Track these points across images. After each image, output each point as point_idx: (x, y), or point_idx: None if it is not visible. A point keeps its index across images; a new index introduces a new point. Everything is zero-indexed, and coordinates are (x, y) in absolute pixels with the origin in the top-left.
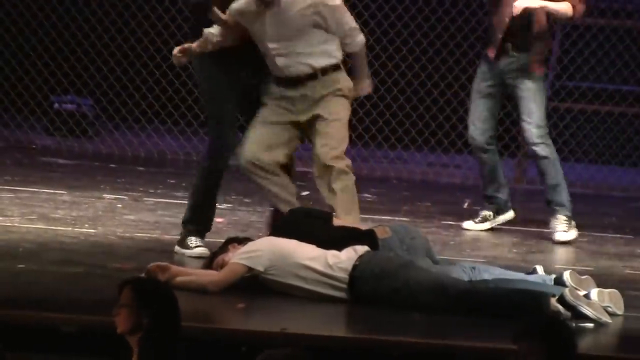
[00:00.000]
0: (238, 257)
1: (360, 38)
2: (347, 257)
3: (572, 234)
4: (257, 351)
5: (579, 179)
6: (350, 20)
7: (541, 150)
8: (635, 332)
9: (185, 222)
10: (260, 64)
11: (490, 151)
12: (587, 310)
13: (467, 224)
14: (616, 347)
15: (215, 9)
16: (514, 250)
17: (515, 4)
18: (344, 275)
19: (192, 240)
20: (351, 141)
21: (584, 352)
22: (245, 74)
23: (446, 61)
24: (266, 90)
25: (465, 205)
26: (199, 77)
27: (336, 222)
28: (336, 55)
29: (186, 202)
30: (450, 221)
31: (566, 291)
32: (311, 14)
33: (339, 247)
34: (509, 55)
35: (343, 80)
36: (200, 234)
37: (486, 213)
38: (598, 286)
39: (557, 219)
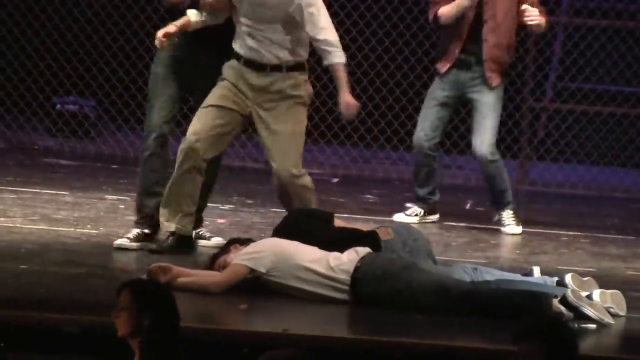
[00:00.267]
0: (240, 258)
1: (339, 54)
2: (348, 258)
3: (520, 227)
4: (258, 352)
5: (581, 181)
6: (326, 26)
7: (491, 162)
8: (638, 333)
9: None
10: (222, 48)
11: (432, 157)
12: (589, 311)
13: (397, 216)
14: (618, 348)
15: None
16: (517, 252)
17: (527, 19)
18: (346, 277)
19: (203, 231)
20: (353, 142)
21: (585, 353)
22: (207, 58)
23: None
24: (226, 70)
25: (468, 206)
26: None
27: (337, 223)
28: (303, 56)
29: None
30: (452, 222)
31: (568, 292)
32: (292, 7)
33: (341, 248)
34: (471, 69)
35: (305, 85)
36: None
37: (417, 210)
38: (600, 287)
39: (506, 213)
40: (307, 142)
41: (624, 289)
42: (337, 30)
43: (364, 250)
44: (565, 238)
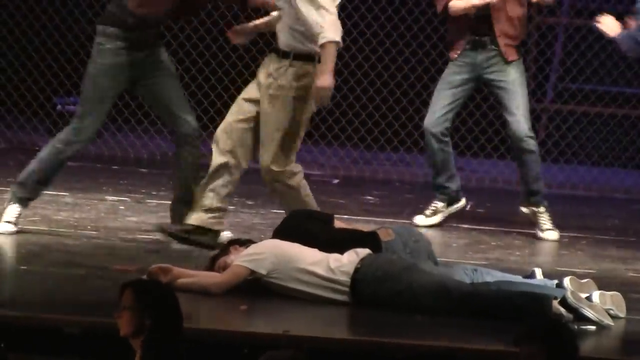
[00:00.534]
0: (241, 259)
1: (327, 34)
2: (348, 260)
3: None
4: (259, 353)
5: (582, 181)
6: (311, 13)
7: (529, 144)
8: (637, 335)
9: (17, 183)
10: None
11: (444, 142)
12: (589, 313)
13: (418, 219)
14: (618, 349)
15: None
16: (517, 253)
17: None
18: (346, 279)
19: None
20: (354, 143)
21: (585, 355)
22: (145, 54)
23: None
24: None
25: (468, 207)
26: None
27: (338, 224)
28: (309, 47)
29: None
30: (452, 223)
31: (568, 293)
32: None
33: (341, 249)
34: (486, 48)
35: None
36: (24, 203)
37: (438, 205)
38: (600, 289)
39: (541, 212)
40: (307, 143)
41: (624, 291)
42: None
43: (363, 252)
44: (566, 239)
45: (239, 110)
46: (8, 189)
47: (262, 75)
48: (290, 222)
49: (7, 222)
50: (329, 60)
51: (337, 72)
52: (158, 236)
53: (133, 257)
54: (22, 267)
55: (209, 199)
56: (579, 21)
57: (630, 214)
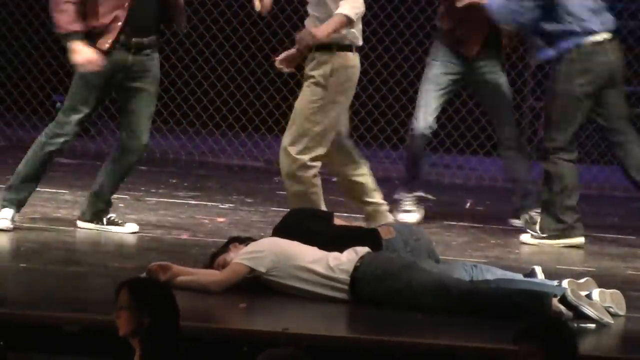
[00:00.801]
0: (240, 257)
1: (341, 7)
2: (348, 258)
3: None
4: (258, 351)
5: (582, 180)
6: None
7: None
8: (637, 333)
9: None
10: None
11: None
12: (588, 311)
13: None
14: (618, 348)
15: None
16: (516, 251)
17: None
18: (346, 277)
19: (114, 217)
20: (353, 141)
21: (585, 353)
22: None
23: None
24: None
25: (468, 205)
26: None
27: (337, 222)
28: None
29: (188, 201)
30: (452, 222)
31: (568, 291)
32: None
33: (341, 247)
34: (487, 52)
35: (324, 66)
36: (14, 205)
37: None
38: (600, 287)
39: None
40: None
41: (624, 289)
42: None
43: (363, 250)
44: None
45: None
46: None
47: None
48: (289, 220)
49: (3, 218)
50: (333, 24)
51: None
52: (157, 234)
53: (132, 254)
54: (22, 265)
55: None
56: None
57: (629, 212)
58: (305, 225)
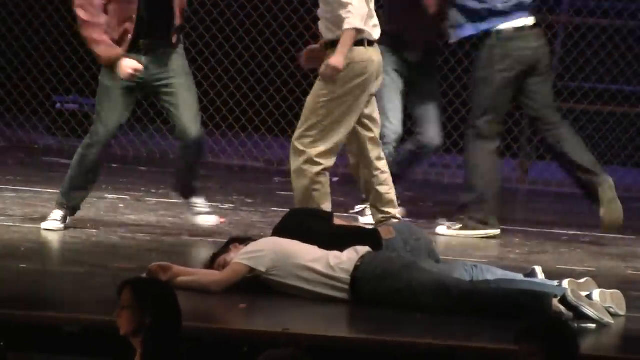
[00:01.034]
0: (240, 257)
1: (347, 21)
2: (348, 257)
3: None
4: (258, 351)
5: None
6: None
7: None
8: (637, 333)
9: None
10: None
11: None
12: (589, 311)
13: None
14: (618, 348)
15: None
16: (517, 251)
17: None
18: (346, 276)
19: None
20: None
21: (585, 353)
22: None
23: (448, 62)
24: None
25: None
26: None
27: (337, 222)
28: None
29: (188, 201)
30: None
31: (568, 291)
32: None
33: (342, 247)
34: (418, 50)
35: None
36: (66, 209)
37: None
38: (600, 287)
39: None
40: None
41: (624, 289)
42: None
43: (363, 249)
44: (566, 237)
45: None
46: (8, 187)
47: None
48: (289, 220)
49: (53, 220)
50: (346, 44)
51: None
52: (157, 234)
53: (132, 255)
54: (22, 265)
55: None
56: (578, 19)
57: (629, 212)
58: (305, 225)
